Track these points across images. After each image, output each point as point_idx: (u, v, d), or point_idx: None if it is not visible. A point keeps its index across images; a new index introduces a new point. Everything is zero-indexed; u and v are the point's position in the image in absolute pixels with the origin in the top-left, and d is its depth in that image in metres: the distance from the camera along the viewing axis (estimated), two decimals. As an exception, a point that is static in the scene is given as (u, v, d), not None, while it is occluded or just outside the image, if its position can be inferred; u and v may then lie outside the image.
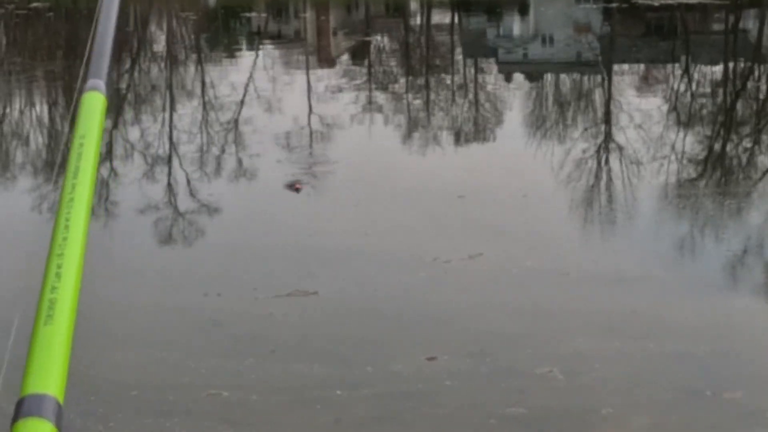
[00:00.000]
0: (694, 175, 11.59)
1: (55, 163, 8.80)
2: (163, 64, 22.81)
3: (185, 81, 20.24)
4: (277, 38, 30.24)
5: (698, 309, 7.30)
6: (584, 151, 12.67)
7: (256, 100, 17.24)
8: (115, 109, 15.61)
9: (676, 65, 21.46)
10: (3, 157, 13.66)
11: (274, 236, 9.20)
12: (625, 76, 19.65)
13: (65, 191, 1.34)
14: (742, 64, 21.27)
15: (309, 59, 24.56)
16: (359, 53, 25.49)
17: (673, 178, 11.25)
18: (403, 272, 8.04)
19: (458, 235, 9.03)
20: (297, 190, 10.09)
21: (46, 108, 16.91)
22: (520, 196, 10.45)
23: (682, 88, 18.32)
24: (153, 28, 29.34)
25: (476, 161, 12.67)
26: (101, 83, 1.58)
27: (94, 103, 1.53)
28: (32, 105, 17.26)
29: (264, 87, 18.68)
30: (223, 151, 13.21)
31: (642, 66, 21.18)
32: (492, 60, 24.44)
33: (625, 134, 13.60)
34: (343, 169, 11.84)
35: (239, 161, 12.53)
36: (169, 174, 11.90)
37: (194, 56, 24.80)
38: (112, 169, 11.94)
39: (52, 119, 16.05)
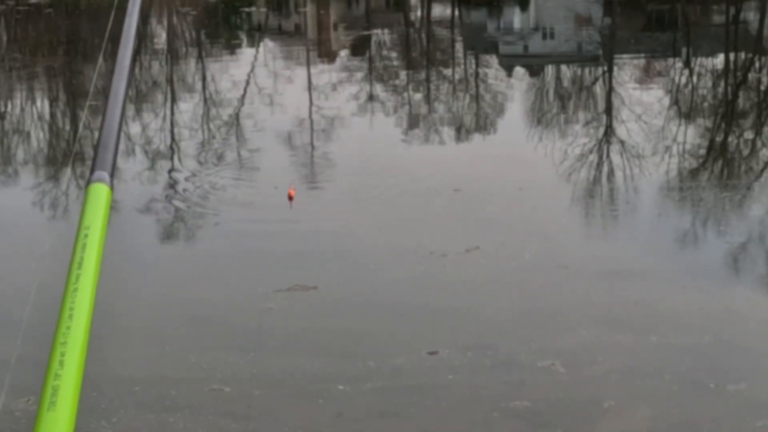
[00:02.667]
0: (694, 166, 11.57)
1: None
2: (163, 59, 22.79)
3: (186, 76, 20.22)
4: (278, 33, 30.23)
5: (700, 300, 7.28)
6: (583, 144, 12.65)
7: (257, 95, 17.23)
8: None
9: (677, 57, 21.43)
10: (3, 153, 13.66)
11: (273, 231, 9.18)
12: (626, 69, 19.61)
13: (70, 281, 1.35)
14: (742, 56, 21.23)
15: (309, 53, 24.55)
16: (360, 47, 25.46)
17: (674, 170, 11.22)
18: (401, 267, 8.02)
19: (455, 229, 9.02)
20: (290, 197, 10.03)
21: (46, 104, 16.90)
22: (516, 188, 10.42)
23: (683, 80, 18.29)
24: (153, 23, 29.30)
25: (473, 154, 12.64)
26: (106, 175, 1.58)
27: (99, 195, 1.54)
28: (33, 101, 17.25)
29: (264, 82, 18.67)
30: (223, 145, 13.20)
31: (643, 58, 21.15)
32: (493, 53, 24.41)
33: (626, 126, 13.57)
34: (340, 163, 11.83)
35: (238, 156, 12.53)
36: (171, 168, 11.89)
37: (195, 51, 24.79)
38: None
39: (52, 114, 16.05)
